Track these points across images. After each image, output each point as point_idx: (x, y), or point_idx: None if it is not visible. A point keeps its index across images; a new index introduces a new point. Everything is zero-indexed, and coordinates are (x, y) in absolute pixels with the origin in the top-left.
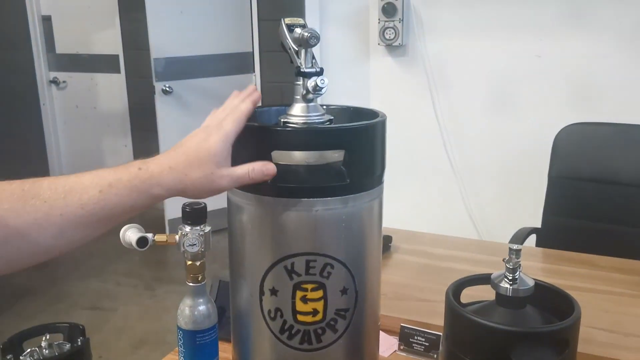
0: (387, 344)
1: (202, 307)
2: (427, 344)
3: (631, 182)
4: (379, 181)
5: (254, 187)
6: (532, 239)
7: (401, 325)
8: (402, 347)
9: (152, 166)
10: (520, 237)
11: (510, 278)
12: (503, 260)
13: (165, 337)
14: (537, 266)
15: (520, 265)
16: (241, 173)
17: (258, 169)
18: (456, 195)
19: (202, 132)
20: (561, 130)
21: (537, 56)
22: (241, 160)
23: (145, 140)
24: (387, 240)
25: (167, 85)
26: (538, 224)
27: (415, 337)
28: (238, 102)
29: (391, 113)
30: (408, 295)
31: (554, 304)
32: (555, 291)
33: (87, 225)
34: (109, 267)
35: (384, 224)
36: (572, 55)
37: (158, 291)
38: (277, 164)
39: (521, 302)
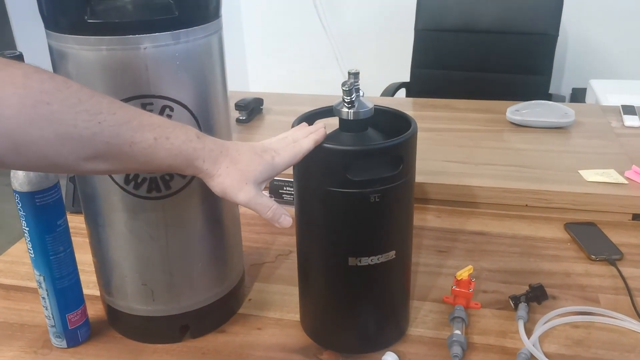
0: None
1: None
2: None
3: (490, 28)
4: (215, 14)
5: (72, 27)
6: (403, 93)
7: None
8: (273, 199)
9: (209, 144)
10: (389, 91)
11: (348, 101)
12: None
13: None
14: None
15: (358, 89)
16: (262, 203)
17: (278, 212)
18: (330, 56)
19: (261, 150)
20: None
21: None
22: None
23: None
24: (259, 103)
25: None
26: (408, 78)
27: (284, 188)
28: (301, 135)
29: None
30: None
31: (396, 127)
32: (395, 114)
33: (120, 161)
34: None
35: (257, 89)
36: None
37: None
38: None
39: (362, 126)
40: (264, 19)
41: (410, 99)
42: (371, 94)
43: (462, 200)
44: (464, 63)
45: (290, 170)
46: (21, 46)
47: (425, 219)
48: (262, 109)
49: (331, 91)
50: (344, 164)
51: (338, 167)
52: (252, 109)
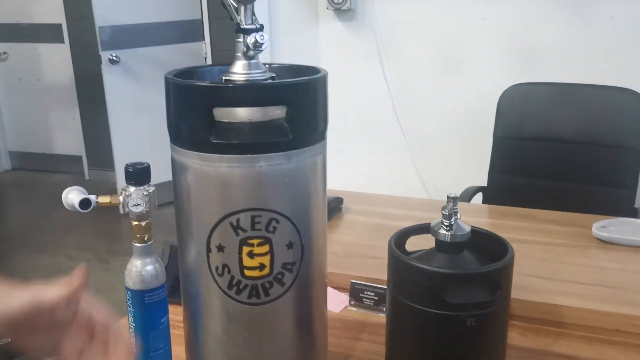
0: (338, 300)
1: (149, 267)
2: (376, 298)
3: (571, 139)
4: (322, 137)
5: (197, 145)
6: (479, 197)
7: (351, 282)
8: (352, 303)
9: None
10: (467, 195)
11: (447, 224)
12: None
13: (120, 308)
14: (483, 221)
15: (457, 212)
16: None
17: None
18: (406, 156)
19: None
20: (505, 91)
21: (481, 19)
22: (184, 119)
23: (93, 112)
24: (338, 201)
25: (113, 55)
26: (484, 183)
27: (365, 292)
28: None
29: (341, 77)
30: (358, 253)
31: (490, 249)
32: (491, 236)
33: None
34: (60, 242)
35: (335, 187)
36: (515, 17)
37: (112, 264)
38: (219, 122)
39: (459, 248)
40: (344, 117)
41: (488, 206)
42: (445, 196)
43: (548, 319)
44: (544, 172)
45: (372, 274)
46: (115, 133)
47: (510, 337)
48: (341, 207)
49: (406, 192)
50: (442, 287)
51: (436, 289)
52: (332, 207)
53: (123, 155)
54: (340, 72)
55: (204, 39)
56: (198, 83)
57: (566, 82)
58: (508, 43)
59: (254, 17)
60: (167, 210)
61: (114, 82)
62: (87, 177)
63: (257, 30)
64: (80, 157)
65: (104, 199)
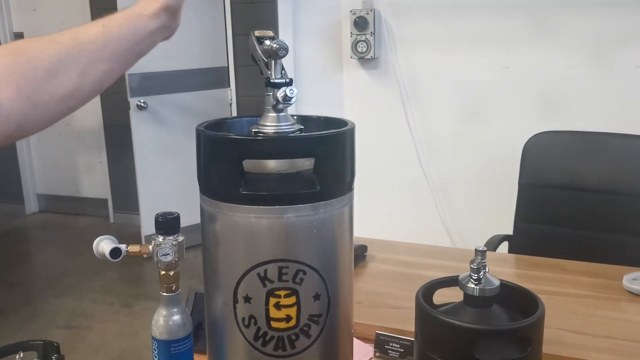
0: (363, 351)
1: (176, 317)
2: (402, 350)
3: (598, 188)
4: (349, 188)
5: (226, 195)
6: (505, 245)
7: (376, 333)
8: (377, 354)
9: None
10: (492, 244)
11: (475, 278)
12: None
13: (142, 354)
14: (510, 272)
15: (485, 265)
16: None
17: None
18: (430, 204)
19: None
20: (530, 139)
21: (505, 67)
22: (214, 170)
23: (120, 156)
24: (363, 249)
25: (142, 101)
26: (510, 231)
27: (391, 344)
28: None
29: (365, 125)
30: (383, 303)
31: (520, 303)
32: (521, 291)
33: (103, 59)
34: (85, 285)
35: (359, 234)
36: (539, 66)
37: (135, 308)
38: (248, 173)
39: (488, 302)
40: (367, 164)
41: (515, 256)
42: (471, 245)
43: None
44: (571, 221)
45: (397, 324)
46: (141, 177)
47: None
48: (365, 255)
49: (430, 239)
50: (472, 342)
51: (465, 344)
52: (356, 255)
53: (148, 198)
54: (364, 119)
55: (229, 86)
56: (229, 136)
57: (591, 131)
58: (532, 91)
59: (283, 72)
60: (191, 254)
61: (141, 128)
62: (112, 220)
63: (286, 84)
64: (106, 200)
65: (134, 248)
